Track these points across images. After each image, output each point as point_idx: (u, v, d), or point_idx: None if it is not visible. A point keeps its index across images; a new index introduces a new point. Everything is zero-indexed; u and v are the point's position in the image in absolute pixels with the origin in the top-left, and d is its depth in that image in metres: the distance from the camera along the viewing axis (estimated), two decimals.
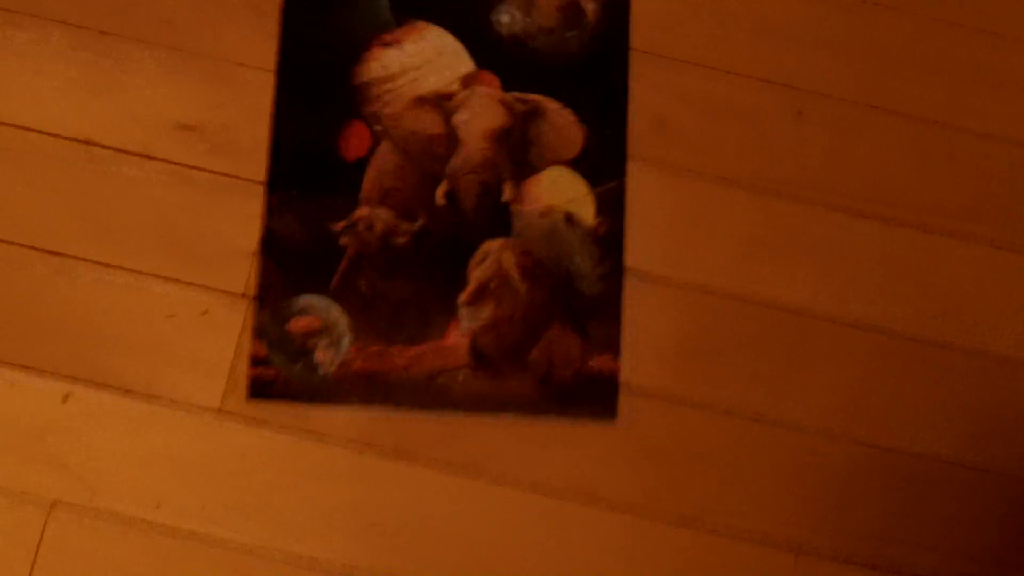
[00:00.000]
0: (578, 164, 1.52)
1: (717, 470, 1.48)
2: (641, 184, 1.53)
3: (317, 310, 1.46)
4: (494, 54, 1.54)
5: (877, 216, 1.57)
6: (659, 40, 1.59)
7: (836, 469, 1.49)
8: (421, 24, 1.54)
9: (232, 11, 1.54)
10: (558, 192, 1.51)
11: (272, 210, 1.47)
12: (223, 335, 1.45)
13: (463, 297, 1.47)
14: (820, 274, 1.54)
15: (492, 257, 1.48)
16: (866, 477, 1.49)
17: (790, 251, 1.54)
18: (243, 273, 1.46)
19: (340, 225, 1.47)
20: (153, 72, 1.51)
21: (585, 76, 1.55)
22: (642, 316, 1.50)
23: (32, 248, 1.45)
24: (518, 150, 1.52)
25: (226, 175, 1.49)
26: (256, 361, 1.44)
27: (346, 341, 1.45)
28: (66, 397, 1.42)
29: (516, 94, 1.53)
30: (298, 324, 1.45)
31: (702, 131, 1.56)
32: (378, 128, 1.51)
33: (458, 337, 1.46)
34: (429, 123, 1.51)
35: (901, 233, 1.57)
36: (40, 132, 1.49)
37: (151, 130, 1.49)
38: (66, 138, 1.49)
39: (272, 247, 1.47)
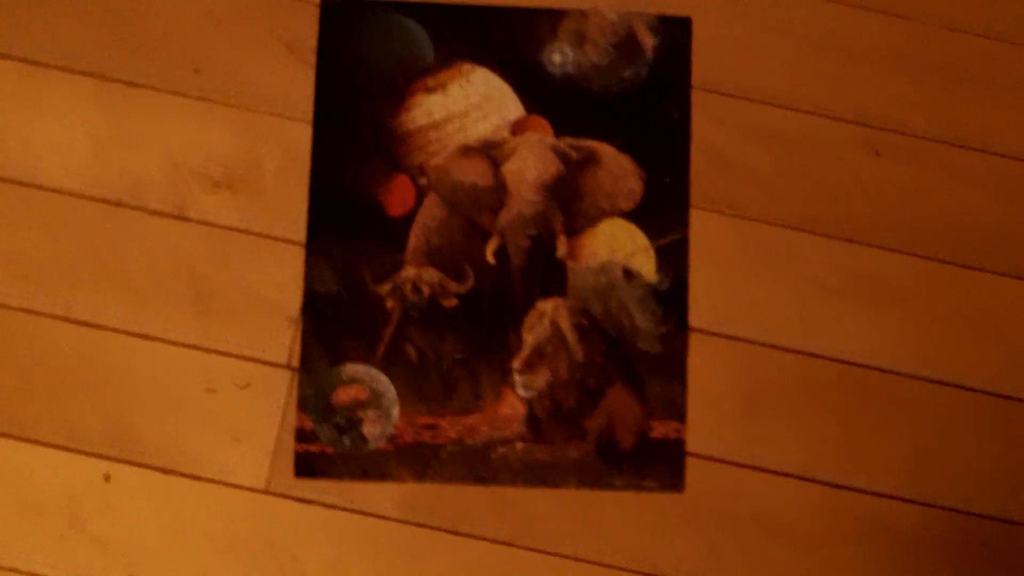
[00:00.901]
0: (637, 215, 1.43)
1: (788, 539, 1.40)
2: (705, 234, 1.44)
3: (364, 379, 1.39)
4: (545, 96, 1.45)
5: (957, 262, 1.47)
6: (722, 74, 1.48)
7: (909, 533, 1.41)
8: (466, 66, 1.45)
9: (267, 56, 1.45)
10: (615, 246, 1.43)
11: (313, 272, 1.40)
12: (266, 408, 1.38)
13: (517, 362, 1.39)
14: (895, 325, 1.45)
15: (546, 318, 1.40)
16: (940, 541, 1.41)
17: (863, 301, 1.45)
18: (285, 341, 1.39)
19: (385, 287, 1.40)
20: (185, 125, 1.43)
21: (643, 117, 1.45)
22: (707, 376, 1.42)
23: (64, 319, 1.39)
24: (572, 201, 1.43)
25: (264, 235, 1.41)
26: (302, 436, 1.37)
27: (395, 412, 1.38)
28: (107, 476, 1.36)
29: (569, 140, 1.44)
30: (344, 395, 1.38)
31: (770, 173, 1.46)
32: (423, 181, 1.43)
33: (512, 405, 1.39)
34: (477, 174, 1.43)
35: (982, 280, 1.47)
36: (68, 194, 1.41)
37: (184, 188, 1.42)
38: (96, 199, 1.41)
39: (314, 312, 1.39)
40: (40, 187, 1.41)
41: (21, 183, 1.41)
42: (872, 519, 1.41)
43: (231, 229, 1.41)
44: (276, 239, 1.41)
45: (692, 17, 1.48)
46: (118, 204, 1.41)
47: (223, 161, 1.42)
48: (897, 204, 1.47)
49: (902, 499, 1.41)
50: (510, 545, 1.37)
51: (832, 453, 1.41)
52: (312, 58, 1.44)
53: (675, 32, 1.47)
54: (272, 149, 1.43)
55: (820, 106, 1.48)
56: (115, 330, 1.39)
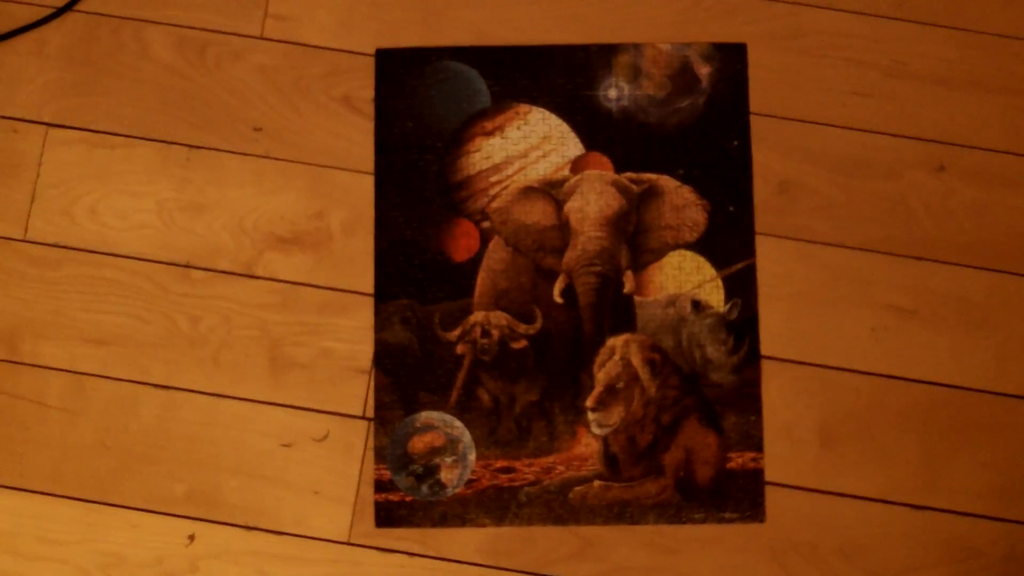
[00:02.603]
0: (702, 246, 1.42)
1: (872, 564, 1.38)
2: (772, 261, 1.43)
3: (439, 426, 1.39)
4: (603, 132, 1.44)
5: None
6: (781, 100, 1.47)
7: (997, 553, 1.39)
8: (523, 107, 1.45)
9: (326, 111, 1.46)
10: (682, 278, 1.42)
11: (382, 322, 1.41)
12: (344, 460, 1.39)
13: (590, 401, 1.39)
14: (971, 342, 1.42)
15: (617, 355, 1.39)
16: None
17: (937, 320, 1.43)
18: (359, 392, 1.40)
19: (455, 333, 1.40)
20: (248, 184, 1.45)
21: (703, 147, 1.44)
22: (782, 404, 1.40)
23: (141, 383, 1.41)
24: (636, 235, 1.43)
25: (333, 288, 1.42)
26: (380, 486, 1.38)
27: (471, 457, 1.38)
28: (191, 537, 1.37)
29: (630, 174, 1.44)
30: (420, 443, 1.39)
31: (834, 196, 1.45)
32: (486, 225, 1.43)
33: (588, 444, 1.39)
34: (539, 214, 1.43)
35: None
36: (139, 259, 1.43)
37: (250, 247, 1.43)
38: (166, 263, 1.43)
39: (386, 362, 1.40)
40: (110, 254, 1.43)
41: (93, 251, 1.43)
42: (958, 540, 1.38)
43: (300, 284, 1.42)
44: (345, 291, 1.42)
45: (747, 43, 1.47)
46: (188, 266, 1.43)
47: (289, 217, 1.43)
48: (967, 220, 1.45)
49: (988, 518, 1.39)
50: None
51: (913, 475, 1.39)
52: (370, 109, 1.45)
53: (730, 59, 1.46)
54: (336, 203, 1.44)
55: (881, 125, 1.46)
56: (191, 391, 1.40)
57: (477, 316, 1.40)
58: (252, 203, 1.44)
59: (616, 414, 1.38)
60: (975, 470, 1.39)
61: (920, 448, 1.40)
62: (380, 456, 1.38)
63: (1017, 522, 1.39)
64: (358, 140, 1.45)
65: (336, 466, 1.39)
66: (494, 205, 1.43)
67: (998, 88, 1.47)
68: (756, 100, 1.46)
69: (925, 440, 1.40)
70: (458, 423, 1.39)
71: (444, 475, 1.38)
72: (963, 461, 1.40)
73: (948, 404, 1.41)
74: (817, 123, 1.46)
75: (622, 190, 1.43)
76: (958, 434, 1.40)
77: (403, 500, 1.38)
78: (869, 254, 1.43)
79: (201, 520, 1.38)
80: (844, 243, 1.43)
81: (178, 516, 1.38)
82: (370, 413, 1.39)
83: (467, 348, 1.40)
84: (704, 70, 1.46)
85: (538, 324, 1.40)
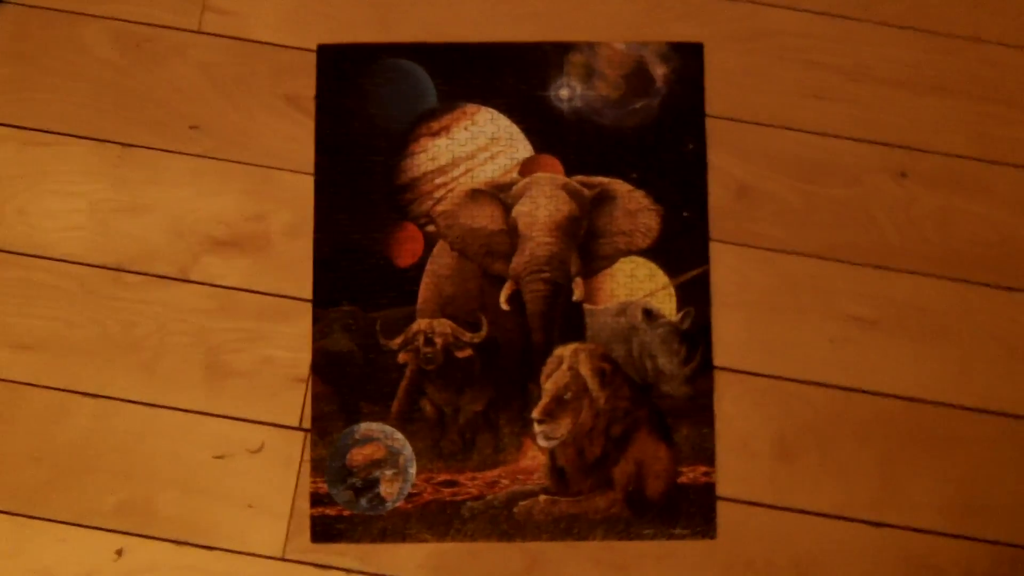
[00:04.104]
0: (655, 252, 1.38)
1: None
2: (727, 269, 1.38)
3: (379, 438, 1.34)
4: (554, 134, 1.39)
5: (994, 284, 1.40)
6: (738, 103, 1.42)
7: (957, 571, 1.34)
8: (471, 107, 1.40)
9: (266, 109, 1.41)
10: (634, 286, 1.37)
11: (322, 330, 1.36)
12: (279, 473, 1.34)
13: (537, 412, 1.34)
14: (932, 354, 1.38)
15: (566, 364, 1.35)
16: None
17: (898, 330, 1.38)
18: (296, 403, 1.35)
19: (397, 341, 1.35)
20: (184, 184, 1.39)
21: (657, 150, 1.40)
22: (736, 417, 1.36)
23: (70, 391, 1.35)
24: (587, 241, 1.38)
25: (271, 294, 1.37)
26: (317, 499, 1.33)
27: (412, 470, 1.33)
28: (119, 552, 1.32)
29: (581, 178, 1.39)
30: (359, 455, 1.34)
31: (792, 201, 1.40)
32: (431, 228, 1.38)
33: (534, 457, 1.34)
34: (487, 218, 1.38)
35: (1022, 302, 1.39)
36: (69, 261, 1.38)
37: (186, 250, 1.38)
38: (97, 266, 1.38)
39: (325, 371, 1.35)
40: (40, 256, 1.38)
41: (22, 253, 1.38)
42: (917, 558, 1.34)
43: (238, 289, 1.37)
44: (285, 297, 1.37)
45: (704, 43, 1.43)
46: (120, 269, 1.38)
47: (227, 219, 1.38)
48: (929, 228, 1.40)
49: (948, 535, 1.35)
50: None
51: (871, 490, 1.35)
52: (312, 107, 1.40)
53: (687, 60, 1.42)
54: (277, 204, 1.39)
55: (842, 129, 1.42)
56: (123, 400, 1.35)
57: (420, 324, 1.36)
58: (189, 204, 1.39)
59: (564, 426, 1.34)
60: (935, 485, 1.35)
61: (879, 462, 1.36)
62: (317, 469, 1.33)
63: (977, 539, 1.35)
64: (301, 140, 1.40)
65: (271, 479, 1.34)
66: (440, 208, 1.38)
67: (962, 92, 1.43)
68: (713, 102, 1.42)
69: (884, 454, 1.36)
70: (399, 435, 1.34)
71: (384, 489, 1.33)
72: (923, 476, 1.36)
73: (908, 417, 1.37)
74: (776, 126, 1.42)
75: (573, 194, 1.38)
76: (918, 448, 1.36)
77: (341, 514, 1.33)
78: (828, 262, 1.39)
79: (131, 534, 1.33)
80: (802, 251, 1.39)
81: (107, 530, 1.33)
82: (308, 424, 1.34)
83: (410, 357, 1.35)
84: (660, 70, 1.41)
85: (484, 332, 1.36)
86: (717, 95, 1.42)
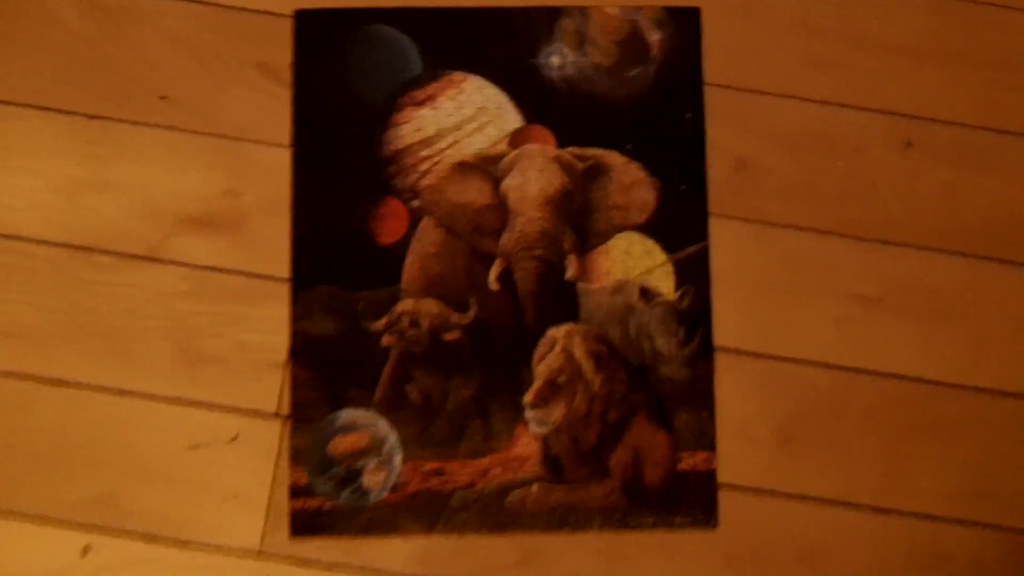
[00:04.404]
0: (652, 228, 1.32)
1: (833, 571, 1.29)
2: (727, 245, 1.33)
3: (362, 425, 1.28)
4: (545, 103, 1.33)
5: (1005, 260, 1.34)
6: (738, 70, 1.36)
7: (966, 558, 1.30)
8: (457, 76, 1.34)
9: (239, 78, 1.34)
10: (630, 263, 1.32)
11: (301, 311, 1.29)
12: (257, 463, 1.27)
13: (529, 397, 1.28)
14: (941, 334, 1.33)
15: (559, 346, 1.29)
16: (1001, 565, 1.30)
17: (904, 309, 1.33)
18: (274, 389, 1.28)
19: (381, 323, 1.29)
20: (153, 158, 1.32)
21: (653, 120, 1.34)
22: (737, 401, 1.31)
23: (35, 378, 1.28)
24: (580, 217, 1.32)
25: (247, 274, 1.30)
26: (297, 491, 1.26)
27: (398, 459, 1.27)
28: (85, 550, 1.25)
29: (574, 149, 1.33)
30: (341, 444, 1.27)
31: (794, 174, 1.35)
32: (416, 204, 1.32)
33: (527, 444, 1.28)
34: (475, 193, 1.32)
35: None
36: (31, 240, 1.30)
37: (157, 228, 1.31)
38: (62, 245, 1.30)
39: (304, 355, 1.29)
40: (5, 236, 1.30)
41: None
42: (924, 545, 1.29)
43: (212, 270, 1.30)
44: (262, 277, 1.31)
45: (701, 7, 1.37)
46: (86, 249, 1.30)
47: (198, 195, 1.32)
48: (937, 201, 1.35)
49: (957, 521, 1.30)
50: None
51: (877, 476, 1.30)
52: (289, 77, 1.33)
53: (683, 25, 1.36)
54: (251, 179, 1.32)
55: (845, 98, 1.36)
56: (90, 387, 1.28)
57: (406, 304, 1.29)
58: (159, 180, 1.32)
59: (558, 411, 1.28)
60: (943, 470, 1.31)
61: (885, 447, 1.31)
62: (297, 458, 1.27)
63: (987, 525, 1.30)
64: (276, 111, 1.33)
65: (249, 470, 1.27)
66: (425, 182, 1.32)
67: (971, 59, 1.38)
68: (711, 70, 1.36)
69: (890, 438, 1.31)
70: (384, 422, 1.28)
71: (368, 479, 1.27)
72: (931, 461, 1.31)
73: (915, 399, 1.32)
74: (777, 95, 1.36)
75: (565, 167, 1.32)
76: (926, 432, 1.31)
77: (322, 507, 1.26)
78: (832, 238, 1.34)
79: (98, 530, 1.25)
80: (805, 226, 1.34)
81: (73, 526, 1.25)
82: (287, 411, 1.28)
83: (395, 339, 1.29)
84: (655, 37, 1.35)
85: (473, 313, 1.30)
86: (715, 63, 1.36)
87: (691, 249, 1.32)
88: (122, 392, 1.28)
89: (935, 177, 1.35)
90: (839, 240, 1.34)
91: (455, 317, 1.30)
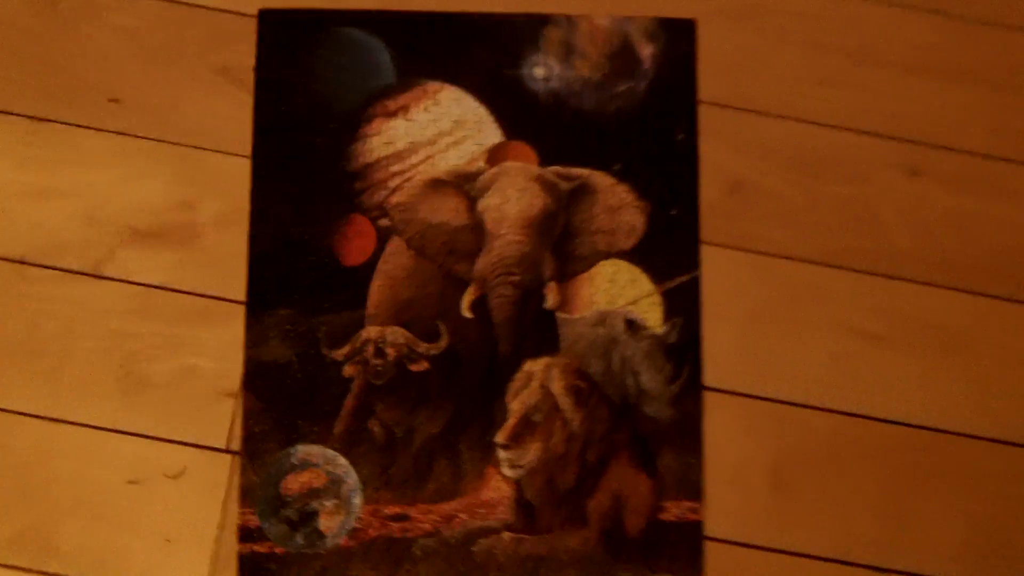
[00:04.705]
0: (639, 254, 1.25)
1: None
2: (719, 274, 1.25)
3: (319, 463, 1.19)
4: (527, 118, 1.26)
5: (1018, 297, 1.27)
6: (734, 87, 1.29)
7: None
8: (433, 85, 1.27)
9: (198, 81, 1.26)
10: (615, 292, 1.24)
11: (256, 336, 1.21)
12: (203, 502, 1.18)
13: (501, 436, 1.20)
14: (947, 375, 1.25)
15: (536, 381, 1.21)
16: None
17: (908, 347, 1.25)
18: (224, 420, 1.19)
19: (343, 351, 1.21)
20: (101, 165, 1.23)
21: (643, 139, 1.27)
22: (727, 444, 1.22)
23: None
24: (562, 241, 1.25)
25: (198, 294, 1.22)
26: (246, 534, 1.17)
27: (357, 501, 1.18)
28: None
29: (557, 168, 1.26)
30: (295, 482, 1.19)
31: (792, 200, 1.27)
32: (384, 222, 1.24)
33: (498, 487, 1.20)
34: (449, 212, 1.25)
35: None
36: None
37: (102, 241, 1.22)
38: None
39: (258, 384, 1.20)
40: None
41: None
42: None
43: (160, 288, 1.22)
44: (214, 298, 1.22)
45: (697, 19, 1.29)
46: (24, 262, 1.21)
47: (149, 207, 1.23)
48: (944, 232, 1.27)
49: None
50: None
51: (875, 530, 1.21)
52: (250, 81, 1.26)
53: (677, 38, 1.28)
54: (208, 191, 1.24)
55: (847, 120, 1.29)
56: (23, 413, 1.18)
57: (370, 332, 1.21)
58: (106, 189, 1.23)
59: (532, 452, 1.19)
60: (948, 525, 1.22)
61: (885, 498, 1.22)
62: (247, 498, 1.18)
63: None
64: (237, 117, 1.25)
65: (194, 508, 1.17)
66: (395, 200, 1.24)
67: (982, 81, 1.31)
68: (706, 86, 1.28)
69: (891, 488, 1.22)
70: (343, 460, 1.19)
71: (323, 522, 1.18)
72: (935, 514, 1.22)
73: (918, 445, 1.23)
74: (775, 115, 1.29)
75: (547, 187, 1.25)
76: (930, 482, 1.22)
77: (273, 552, 1.17)
78: (831, 269, 1.26)
79: (27, 571, 1.15)
80: (803, 256, 1.26)
81: (1, 566, 1.15)
82: (237, 445, 1.19)
83: (357, 370, 1.21)
84: (647, 50, 1.28)
85: (443, 343, 1.22)
86: (710, 79, 1.29)
87: (681, 278, 1.24)
88: (55, 419, 1.19)
89: (943, 206, 1.28)
90: (839, 272, 1.26)
91: (424, 347, 1.22)
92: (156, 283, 1.21)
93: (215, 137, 1.24)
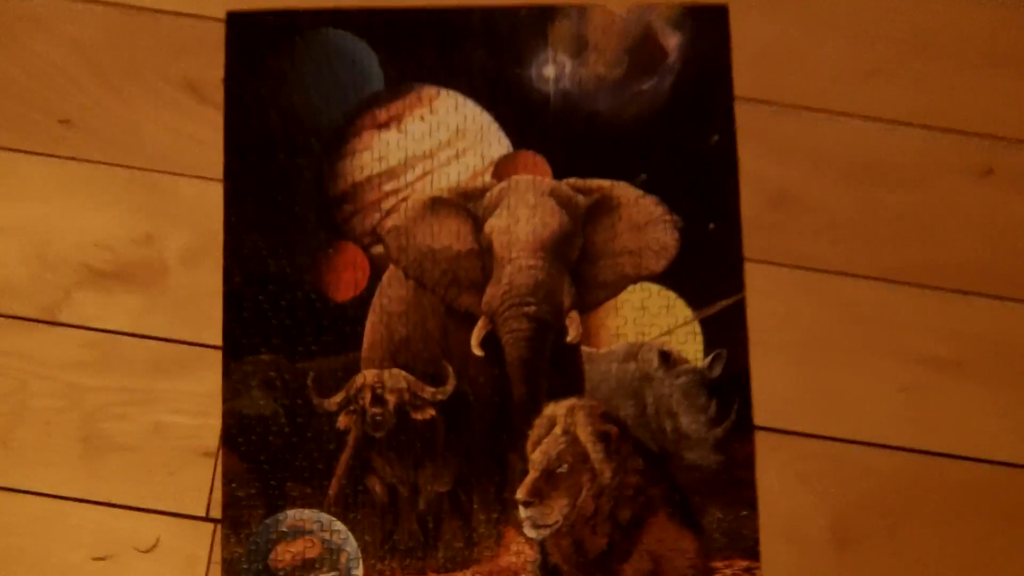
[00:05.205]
0: (673, 277, 1.14)
1: None
2: (766, 297, 1.13)
3: (312, 530, 1.08)
4: (538, 125, 1.15)
5: None
6: (775, 82, 1.16)
7: None
8: (428, 91, 1.15)
9: (158, 97, 1.15)
10: (646, 322, 1.13)
11: (235, 387, 1.10)
12: None
13: (522, 492, 1.07)
14: None
15: (559, 427, 1.09)
16: None
17: (986, 373, 1.12)
18: (202, 485, 1.09)
19: (335, 401, 1.11)
20: (52, 197, 1.13)
21: (672, 145, 1.15)
22: (783, 493, 1.10)
23: None
24: (582, 265, 1.15)
25: (167, 340, 1.11)
26: None
27: (358, 573, 1.07)
28: None
29: (573, 181, 1.15)
30: (286, 554, 1.07)
31: (846, 210, 1.15)
32: (378, 250, 1.14)
33: (519, 551, 1.09)
34: (451, 236, 1.15)
35: None
36: None
37: (55, 283, 1.11)
38: None
39: (239, 442, 1.09)
40: None
41: None
42: None
43: (123, 335, 1.11)
44: (185, 344, 1.11)
45: (729, 5, 1.17)
46: None
47: (108, 243, 1.13)
48: (1023, 240, 1.14)
49: None
50: None
51: None
52: (219, 95, 1.15)
53: (707, 27, 1.16)
54: (173, 222, 1.13)
55: (905, 115, 1.16)
56: None
57: (366, 376, 1.11)
58: (58, 223, 1.13)
59: (557, 510, 1.07)
60: None
61: (969, 549, 1.10)
62: (231, 572, 1.07)
63: None
64: (205, 138, 1.14)
65: None
66: (389, 223, 1.14)
67: None
68: (742, 82, 1.16)
69: (975, 538, 1.10)
70: (340, 525, 1.08)
71: None
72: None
73: (1005, 487, 1.11)
74: (823, 112, 1.16)
75: (563, 203, 1.14)
76: (1018, 528, 1.10)
77: None
78: (894, 287, 1.14)
79: None
80: (861, 272, 1.14)
81: None
82: (217, 513, 1.08)
83: (353, 420, 1.11)
84: (672, 41, 1.16)
85: (450, 386, 1.12)
86: (747, 73, 1.16)
87: (722, 303, 1.13)
88: (8, 488, 1.08)
89: (1020, 211, 1.15)
90: (903, 289, 1.14)
91: (428, 391, 1.12)
92: (119, 329, 1.11)
93: (180, 160, 1.14)
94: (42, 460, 1.08)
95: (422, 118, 1.15)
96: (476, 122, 1.15)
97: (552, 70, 1.15)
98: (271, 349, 1.10)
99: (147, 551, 1.07)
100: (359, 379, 1.11)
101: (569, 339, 1.12)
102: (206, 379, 1.09)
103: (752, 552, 1.08)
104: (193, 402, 1.09)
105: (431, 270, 1.13)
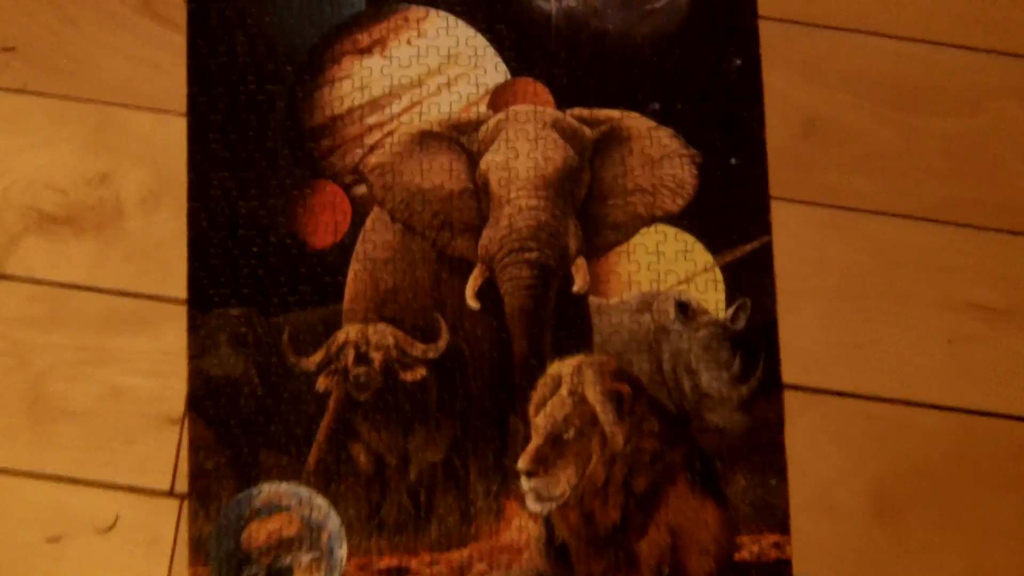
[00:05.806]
0: (691, 219, 1.08)
1: None
2: (796, 240, 1.07)
3: (290, 505, 1.01)
4: (537, 48, 1.10)
5: None
6: None
7: None
8: (415, 11, 1.09)
9: (114, 20, 1.08)
10: (662, 269, 1.07)
11: (203, 343, 1.03)
12: (142, 560, 0.99)
13: (524, 459, 1.01)
14: None
15: (565, 387, 1.02)
16: None
17: None
18: (165, 455, 1.01)
19: (314, 359, 1.04)
20: None
21: (689, 70, 1.09)
22: (815, 458, 1.03)
23: None
24: (590, 204, 1.08)
25: (124, 293, 1.03)
26: None
27: (340, 553, 1.00)
28: None
29: (579, 111, 1.10)
30: (260, 532, 1.00)
31: (885, 140, 1.09)
32: (361, 191, 1.08)
33: (522, 527, 1.01)
34: (443, 174, 1.08)
35: None
36: None
37: (1, 228, 1.04)
38: None
39: (207, 407, 1.02)
40: None
41: None
42: None
43: (76, 287, 1.04)
44: (144, 297, 1.04)
45: None
46: None
47: (58, 184, 1.06)
48: None
49: None
50: None
51: (1013, 565, 1.03)
52: (182, 19, 1.09)
53: None
54: (130, 160, 1.07)
55: (953, 35, 1.11)
56: None
57: (349, 332, 1.05)
58: (1, 162, 1.06)
59: (564, 479, 1.01)
60: None
61: (1022, 516, 1.03)
62: (199, 553, 1.00)
63: None
64: (166, 65, 1.08)
65: (131, 569, 1.00)
66: (373, 160, 1.08)
67: None
68: None
69: None
70: (320, 499, 1.02)
71: None
72: None
73: None
74: (857, 31, 1.11)
75: (567, 135, 1.08)
76: None
77: None
78: (938, 226, 1.08)
79: None
80: (901, 211, 1.09)
81: None
82: (183, 487, 1.01)
83: (334, 381, 1.04)
84: None
85: (443, 342, 1.05)
86: None
87: (747, 247, 1.08)
88: None
89: None
90: (948, 229, 1.08)
91: (418, 348, 1.05)
92: (70, 281, 1.05)
93: (138, 91, 1.08)
94: None
95: (409, 42, 1.09)
96: (469, 46, 1.09)
97: None
98: (242, 301, 1.04)
99: (106, 530, 1.00)
100: (341, 335, 1.05)
101: (575, 288, 1.06)
102: (169, 336, 1.03)
103: (781, 525, 1.01)
104: (154, 361, 1.02)
105: (420, 212, 1.07)
